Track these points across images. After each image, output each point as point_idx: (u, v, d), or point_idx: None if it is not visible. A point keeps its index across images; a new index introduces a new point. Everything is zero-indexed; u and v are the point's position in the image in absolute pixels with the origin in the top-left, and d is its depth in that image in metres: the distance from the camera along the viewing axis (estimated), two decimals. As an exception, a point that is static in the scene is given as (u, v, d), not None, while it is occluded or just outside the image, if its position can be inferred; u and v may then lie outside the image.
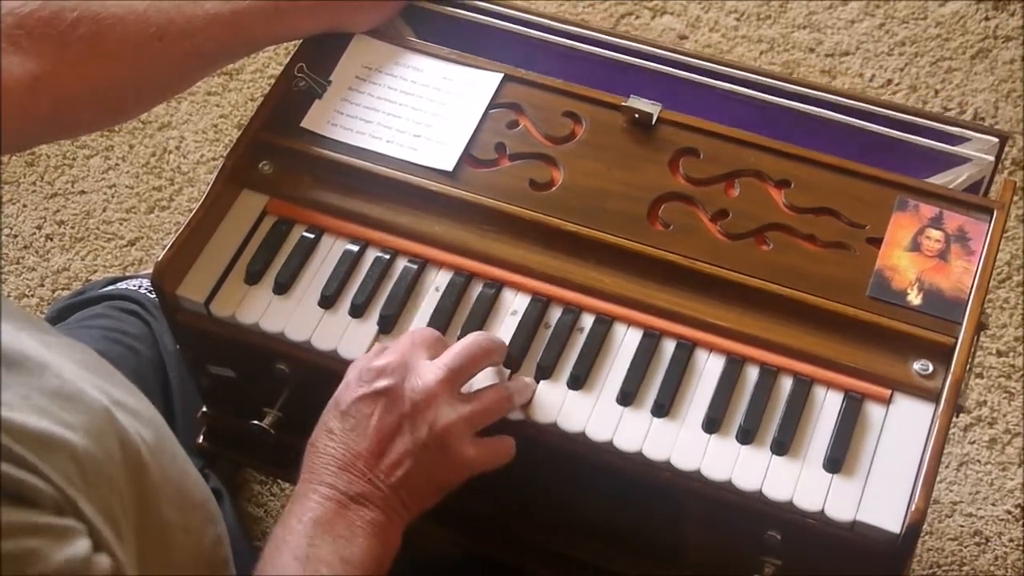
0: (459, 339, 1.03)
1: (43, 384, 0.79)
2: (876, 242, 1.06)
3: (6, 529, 0.70)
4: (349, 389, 0.97)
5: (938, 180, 1.12)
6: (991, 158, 1.11)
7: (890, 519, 0.95)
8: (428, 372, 0.97)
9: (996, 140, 1.12)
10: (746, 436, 0.99)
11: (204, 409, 1.25)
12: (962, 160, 1.11)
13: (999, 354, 1.67)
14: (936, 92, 1.90)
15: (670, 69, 1.17)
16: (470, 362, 0.99)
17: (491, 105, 1.15)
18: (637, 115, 1.12)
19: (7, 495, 0.71)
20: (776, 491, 0.97)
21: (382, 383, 0.96)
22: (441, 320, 1.05)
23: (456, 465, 0.97)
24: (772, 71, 1.27)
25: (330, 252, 1.09)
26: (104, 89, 1.06)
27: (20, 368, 0.78)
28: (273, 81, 1.18)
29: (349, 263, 1.08)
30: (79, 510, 0.75)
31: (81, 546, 0.74)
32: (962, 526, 1.57)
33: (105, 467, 0.79)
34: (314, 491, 0.94)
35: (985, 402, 1.64)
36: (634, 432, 1.00)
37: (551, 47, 1.20)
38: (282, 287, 1.08)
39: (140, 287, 1.43)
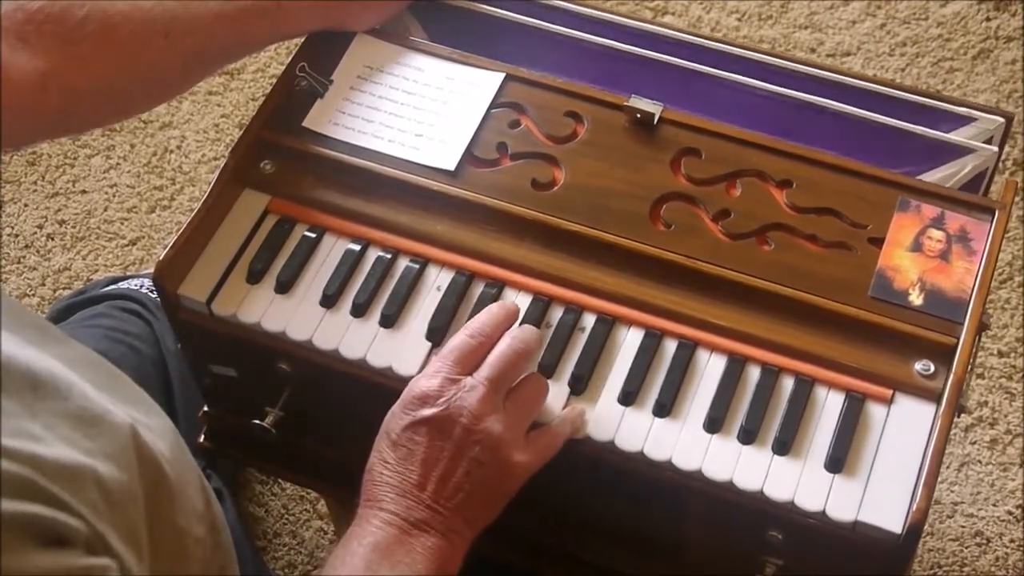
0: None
1: (68, 408, 0.78)
2: (878, 242, 1.06)
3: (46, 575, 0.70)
4: (396, 418, 0.96)
5: (942, 171, 1.12)
6: (994, 148, 1.11)
7: (891, 519, 0.95)
8: (471, 391, 0.96)
9: (1001, 120, 1.12)
10: (747, 436, 0.99)
11: (205, 408, 1.25)
12: (966, 151, 1.11)
13: (1000, 355, 1.68)
14: (937, 92, 1.90)
15: (675, 60, 1.17)
16: (509, 368, 0.98)
17: (493, 105, 1.15)
18: (639, 115, 1.12)
19: (42, 538, 0.71)
20: (777, 491, 0.97)
21: (428, 411, 0.95)
22: (443, 320, 1.05)
23: (514, 474, 0.97)
24: (775, 51, 1.27)
25: (332, 251, 1.09)
26: (111, 86, 1.06)
27: (45, 390, 0.78)
28: (274, 80, 1.18)
29: (351, 262, 1.08)
30: (108, 545, 0.75)
31: None
32: (963, 527, 1.57)
33: (129, 487, 0.79)
34: (375, 516, 0.94)
35: (986, 403, 1.64)
36: (635, 432, 1.00)
37: (559, 40, 1.20)
38: (284, 286, 1.08)
39: (141, 287, 1.44)
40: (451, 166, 1.11)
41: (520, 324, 1.04)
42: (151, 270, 1.18)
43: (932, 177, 1.12)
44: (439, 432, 0.95)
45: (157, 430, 0.88)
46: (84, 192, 1.88)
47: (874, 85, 1.15)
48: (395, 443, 0.96)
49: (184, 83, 1.15)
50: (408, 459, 0.95)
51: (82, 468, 0.75)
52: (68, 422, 0.77)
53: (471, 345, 0.99)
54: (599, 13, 1.21)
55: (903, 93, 1.15)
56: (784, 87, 1.16)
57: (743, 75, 1.17)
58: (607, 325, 1.05)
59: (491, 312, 1.01)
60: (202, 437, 1.26)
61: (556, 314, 1.06)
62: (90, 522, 0.74)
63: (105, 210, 1.86)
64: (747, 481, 0.98)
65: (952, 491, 1.59)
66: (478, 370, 0.97)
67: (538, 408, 1.00)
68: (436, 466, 0.95)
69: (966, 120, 1.13)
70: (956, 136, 1.13)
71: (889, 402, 1.00)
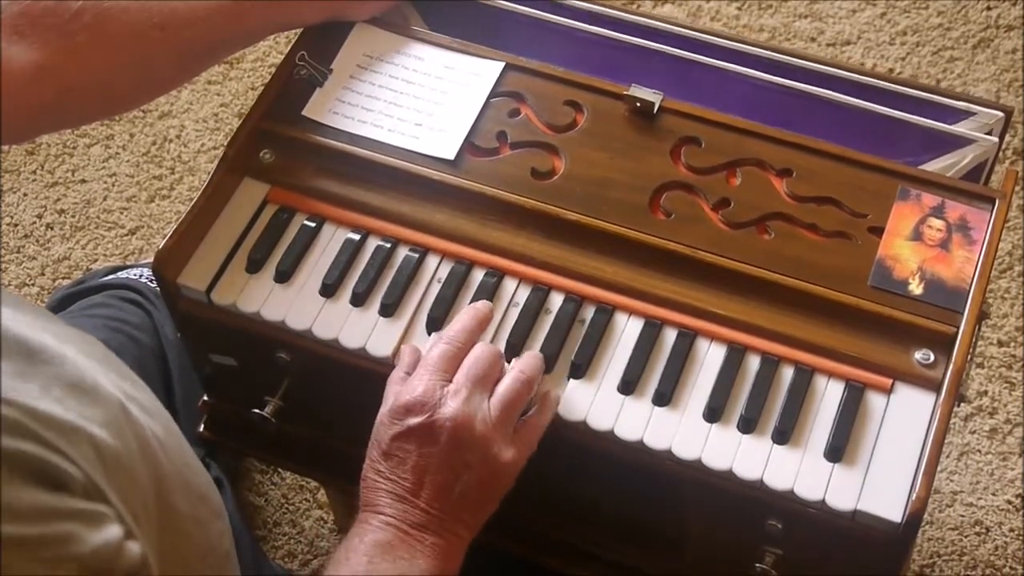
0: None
1: (62, 375, 0.79)
2: (878, 231, 1.06)
3: (43, 512, 0.71)
4: (384, 428, 0.98)
5: (942, 161, 1.11)
6: (995, 139, 1.11)
7: (891, 508, 0.95)
8: (454, 396, 0.97)
9: (1000, 114, 1.12)
10: (747, 425, 0.99)
11: (205, 398, 1.25)
12: (966, 141, 1.11)
13: (1000, 344, 1.68)
14: (938, 82, 1.90)
15: (675, 50, 1.17)
16: (489, 370, 0.99)
17: (492, 94, 1.14)
18: (639, 104, 1.12)
19: (41, 479, 0.72)
20: (777, 480, 0.97)
21: (414, 420, 0.96)
22: (442, 309, 1.05)
23: (504, 472, 0.98)
24: (776, 45, 1.27)
25: (331, 241, 1.09)
26: (107, 79, 1.06)
27: (39, 358, 0.78)
28: (274, 70, 1.18)
29: (350, 252, 1.08)
30: (106, 496, 0.76)
31: (114, 531, 0.75)
32: (962, 516, 1.57)
33: (124, 460, 0.80)
34: (375, 517, 0.96)
35: (986, 392, 1.64)
36: (635, 421, 1.00)
37: (559, 30, 1.20)
38: (283, 276, 1.08)
39: (141, 276, 1.43)
40: (451, 155, 1.11)
41: (519, 314, 1.05)
42: (151, 260, 1.18)
43: (931, 168, 1.12)
44: (427, 440, 0.96)
45: (151, 411, 0.88)
46: (83, 181, 1.87)
47: (873, 80, 1.15)
48: (386, 453, 0.97)
49: (181, 76, 1.14)
50: (400, 467, 0.96)
51: (76, 426, 0.76)
52: (63, 387, 0.78)
53: (450, 352, 1.00)
54: (599, 8, 1.21)
55: (902, 88, 1.14)
56: (784, 79, 1.16)
57: (742, 67, 1.17)
58: (607, 314, 1.05)
59: (464, 317, 1.02)
60: (202, 426, 1.26)
61: (556, 303, 1.06)
62: (87, 472, 0.75)
63: (104, 199, 1.86)
64: (747, 470, 0.98)
65: (952, 480, 1.59)
66: (457, 374, 0.98)
67: (523, 403, 1.00)
68: (427, 473, 0.96)
69: (965, 115, 1.13)
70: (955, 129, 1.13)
71: (889, 391, 1.00)
